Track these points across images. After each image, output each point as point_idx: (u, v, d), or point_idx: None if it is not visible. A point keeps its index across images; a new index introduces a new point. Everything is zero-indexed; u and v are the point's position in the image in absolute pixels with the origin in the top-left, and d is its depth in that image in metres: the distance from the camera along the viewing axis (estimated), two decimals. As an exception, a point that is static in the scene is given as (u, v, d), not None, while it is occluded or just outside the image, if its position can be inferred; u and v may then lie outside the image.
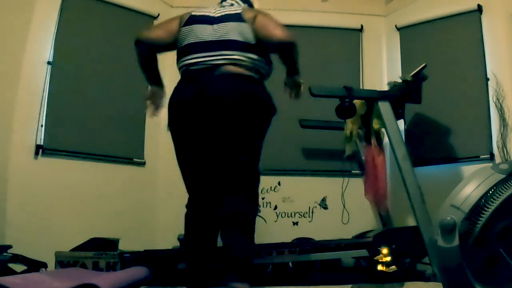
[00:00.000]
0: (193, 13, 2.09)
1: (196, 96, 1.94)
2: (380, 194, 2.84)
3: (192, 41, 2.01)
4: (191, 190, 2.06)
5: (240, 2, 2.18)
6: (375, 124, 2.79)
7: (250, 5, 2.23)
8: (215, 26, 2.00)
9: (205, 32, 2.00)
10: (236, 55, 1.95)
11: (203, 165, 2.00)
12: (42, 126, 2.80)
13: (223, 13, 2.05)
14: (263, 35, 1.96)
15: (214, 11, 2.07)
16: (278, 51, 2.02)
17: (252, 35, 1.98)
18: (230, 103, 1.89)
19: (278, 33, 1.93)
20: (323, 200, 3.42)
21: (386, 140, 2.80)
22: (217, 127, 1.92)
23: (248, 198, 1.91)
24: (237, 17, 2.01)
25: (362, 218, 3.27)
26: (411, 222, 2.78)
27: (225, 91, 1.91)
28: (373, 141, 2.85)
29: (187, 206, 2.08)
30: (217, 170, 1.98)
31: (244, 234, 1.87)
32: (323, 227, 3.35)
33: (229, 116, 1.89)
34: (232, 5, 2.15)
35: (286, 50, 1.99)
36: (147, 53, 2.11)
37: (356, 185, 3.22)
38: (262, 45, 1.99)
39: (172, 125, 2.06)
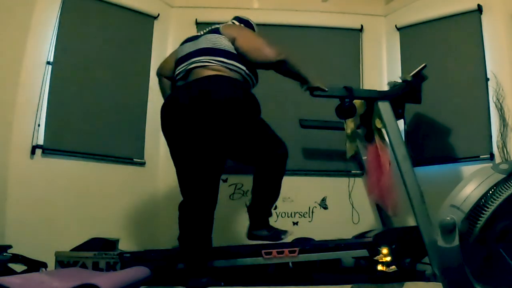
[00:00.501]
0: (188, 36, 2.38)
1: (173, 101, 2.19)
2: (387, 192, 2.82)
3: (179, 56, 2.30)
4: (183, 191, 2.18)
5: (236, 23, 2.45)
6: (378, 123, 2.78)
7: (248, 25, 2.46)
8: (194, 41, 2.28)
9: (188, 47, 2.27)
10: (205, 59, 2.16)
11: (185, 164, 2.16)
12: (42, 126, 2.80)
13: (207, 30, 2.33)
14: (255, 57, 2.18)
15: (204, 31, 2.34)
16: (272, 69, 2.24)
17: (225, 44, 2.19)
18: (191, 104, 2.08)
19: (269, 54, 2.16)
20: (323, 200, 3.41)
21: (386, 140, 2.80)
22: (189, 128, 2.09)
23: (271, 169, 2.30)
24: (214, 31, 2.27)
25: (363, 218, 3.27)
26: (411, 222, 2.78)
27: (189, 95, 2.11)
28: (377, 139, 2.84)
29: (180, 207, 2.16)
30: (199, 168, 2.11)
31: (267, 192, 2.32)
32: (323, 227, 3.35)
33: (192, 117, 2.08)
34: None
35: (280, 68, 2.22)
36: (166, 82, 2.41)
37: (357, 185, 3.23)
38: (236, 51, 2.20)
39: (162, 130, 2.26)
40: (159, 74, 2.44)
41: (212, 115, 2.04)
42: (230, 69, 2.16)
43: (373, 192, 2.91)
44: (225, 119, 2.06)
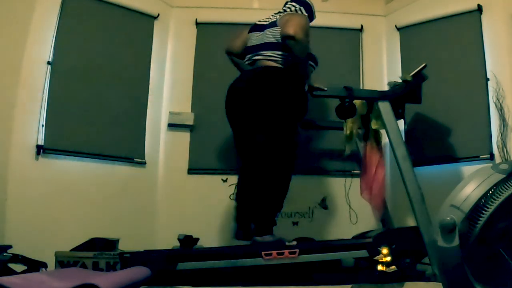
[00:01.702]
0: (256, 22, 2.75)
1: (236, 83, 2.62)
2: (376, 194, 2.82)
3: (248, 45, 2.71)
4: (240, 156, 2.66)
5: (296, 5, 2.73)
6: (374, 125, 2.79)
7: (307, 7, 2.77)
8: (261, 33, 2.65)
9: (255, 39, 2.67)
10: (269, 53, 2.55)
11: (238, 136, 2.64)
12: (42, 126, 2.80)
13: (269, 21, 2.65)
14: (281, 32, 2.49)
15: (267, 19, 2.69)
16: (286, 43, 2.46)
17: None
18: (250, 86, 2.53)
19: (287, 29, 2.43)
20: (323, 200, 3.41)
21: (386, 140, 2.80)
22: (243, 107, 2.53)
23: (263, 169, 2.48)
24: (274, 24, 2.60)
25: (362, 218, 3.27)
26: (411, 222, 2.78)
27: (251, 77, 2.57)
28: (371, 141, 2.85)
29: (240, 170, 2.64)
30: (249, 142, 2.54)
31: (258, 198, 2.48)
32: (323, 227, 3.35)
33: (248, 97, 2.51)
34: (288, 9, 2.72)
35: (290, 43, 2.44)
36: (234, 59, 2.86)
37: (357, 185, 3.22)
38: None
39: (225, 105, 2.66)
40: (229, 52, 2.87)
41: (258, 95, 2.48)
42: (286, 61, 2.53)
43: (365, 192, 2.91)
44: (265, 103, 2.46)
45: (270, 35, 2.59)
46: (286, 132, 2.50)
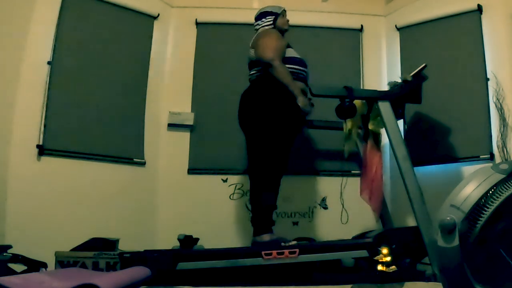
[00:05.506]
0: None
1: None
2: (375, 194, 2.82)
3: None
4: None
5: (259, 23, 2.85)
6: (370, 125, 2.79)
7: (266, 15, 2.85)
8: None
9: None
10: (252, 71, 2.74)
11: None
12: (42, 126, 2.80)
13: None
14: (256, 54, 2.65)
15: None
16: (264, 66, 2.60)
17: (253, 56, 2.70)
18: (240, 104, 2.73)
19: (264, 53, 2.58)
20: (323, 200, 3.41)
21: (386, 140, 2.80)
22: (241, 118, 2.72)
23: (258, 173, 2.59)
24: (252, 45, 2.74)
25: (362, 218, 3.27)
26: (411, 222, 2.78)
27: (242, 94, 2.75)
28: (369, 141, 2.85)
29: None
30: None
31: (253, 198, 2.59)
32: (323, 227, 3.35)
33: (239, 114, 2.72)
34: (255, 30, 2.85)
35: (267, 67, 2.57)
36: None
37: (356, 185, 3.22)
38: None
39: None
40: None
41: (244, 108, 2.69)
42: (261, 76, 2.67)
43: (364, 192, 2.91)
44: (250, 111, 2.66)
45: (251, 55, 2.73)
46: (271, 139, 2.56)
